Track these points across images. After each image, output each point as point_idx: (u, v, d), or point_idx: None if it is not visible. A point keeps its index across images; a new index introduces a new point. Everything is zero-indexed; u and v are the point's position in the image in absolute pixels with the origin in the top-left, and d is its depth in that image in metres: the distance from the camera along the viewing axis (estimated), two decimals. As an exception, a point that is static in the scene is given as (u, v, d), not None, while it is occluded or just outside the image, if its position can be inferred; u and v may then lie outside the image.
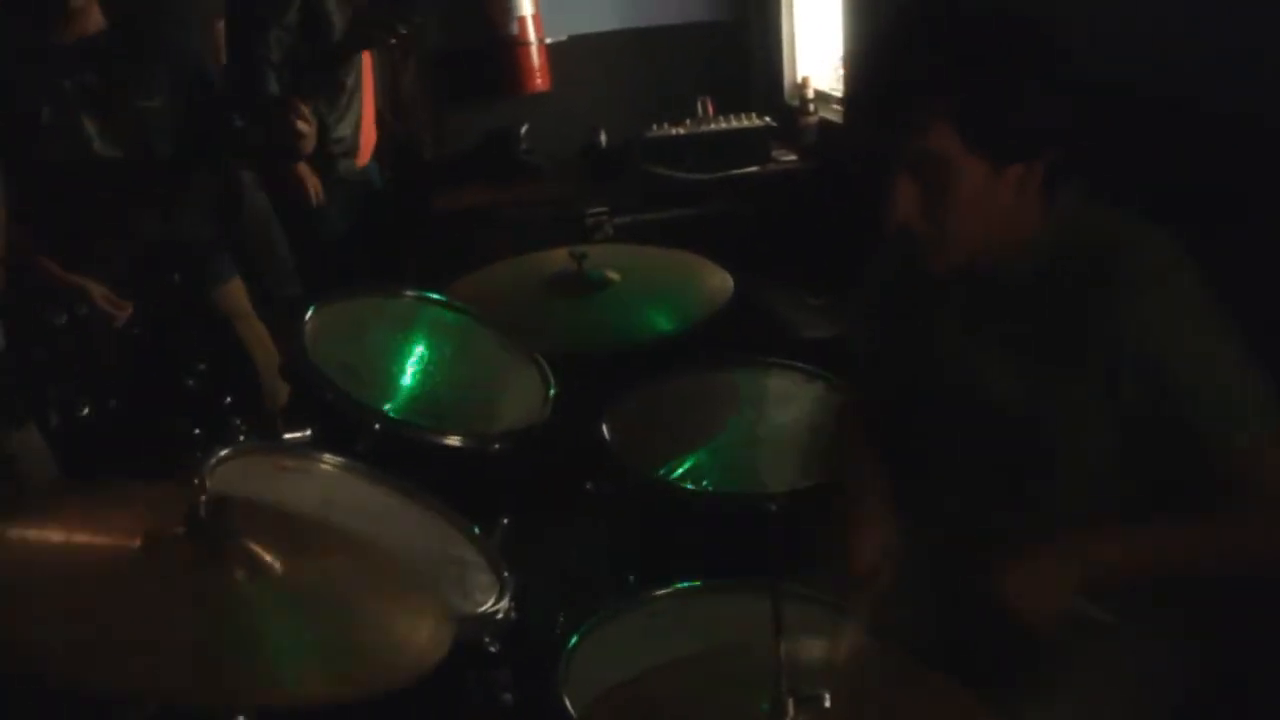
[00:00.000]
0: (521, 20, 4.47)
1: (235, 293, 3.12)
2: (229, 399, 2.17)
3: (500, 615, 1.82)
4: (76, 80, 2.73)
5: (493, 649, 1.81)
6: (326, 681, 1.29)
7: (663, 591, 1.99)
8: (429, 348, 2.45)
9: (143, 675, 1.17)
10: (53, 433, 2.38)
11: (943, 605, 1.75)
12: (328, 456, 1.98)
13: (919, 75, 1.58)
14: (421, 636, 1.44)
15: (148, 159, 2.76)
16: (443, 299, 2.57)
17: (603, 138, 4.48)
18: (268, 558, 1.36)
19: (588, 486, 2.58)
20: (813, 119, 4.23)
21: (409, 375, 2.38)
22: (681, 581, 2.00)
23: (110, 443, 2.32)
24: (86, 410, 2.39)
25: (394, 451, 2.05)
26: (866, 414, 2.01)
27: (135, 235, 2.67)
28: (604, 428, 2.44)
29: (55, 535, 1.29)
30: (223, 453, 1.79)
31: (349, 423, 2.06)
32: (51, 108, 2.70)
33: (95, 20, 2.81)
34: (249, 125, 2.76)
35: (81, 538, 1.29)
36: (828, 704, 1.23)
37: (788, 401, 2.62)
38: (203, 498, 1.27)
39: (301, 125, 2.69)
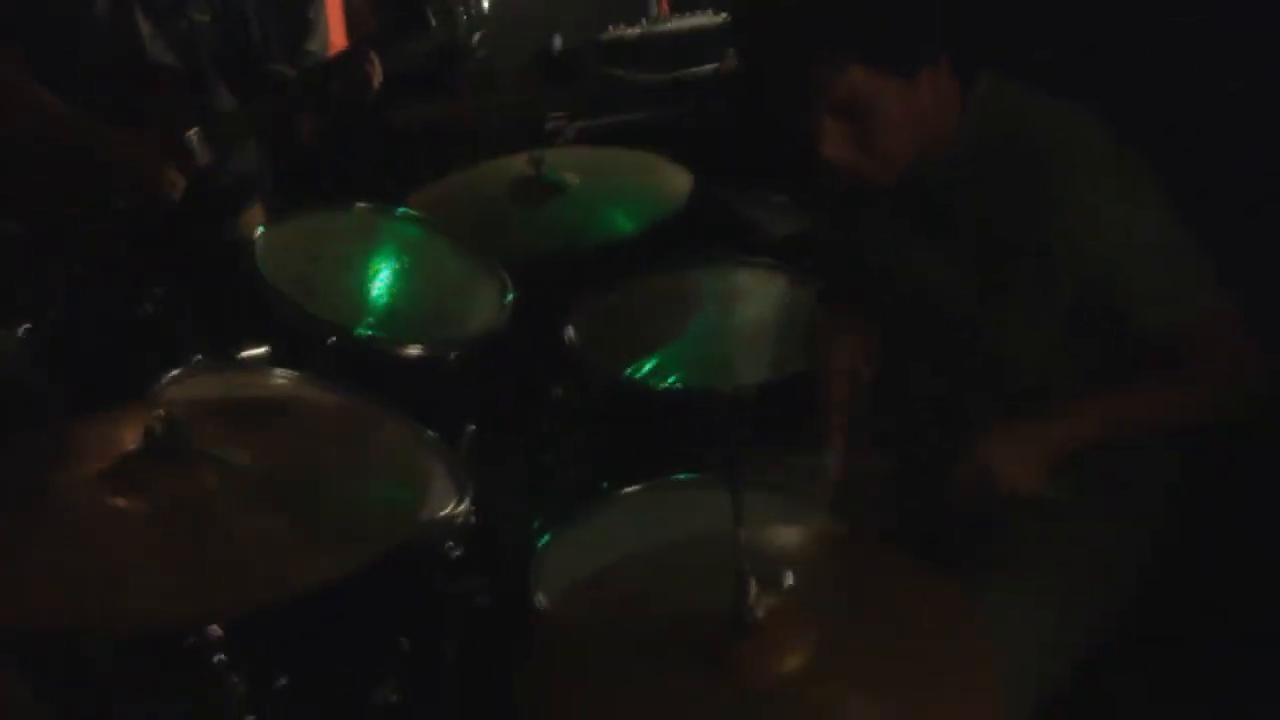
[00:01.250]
0: (469, -76, 4.36)
1: (254, 218, 3.04)
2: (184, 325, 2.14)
3: (460, 519, 1.83)
4: None
5: (455, 553, 1.83)
6: (316, 563, 1.29)
7: (632, 489, 2.00)
8: (385, 260, 2.45)
9: (126, 604, 1.18)
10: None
11: (903, 492, 1.78)
12: (281, 371, 1.97)
13: (814, 26, 1.57)
14: (398, 491, 1.45)
15: (199, 73, 2.69)
16: (398, 210, 2.54)
17: (557, 41, 4.40)
18: (232, 454, 1.36)
19: (556, 392, 2.59)
20: (769, 13, 4.16)
21: (365, 287, 2.38)
22: (651, 477, 2.02)
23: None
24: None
25: (352, 365, 2.05)
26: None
27: (187, 156, 2.59)
28: (568, 330, 2.44)
29: (19, 478, 1.29)
30: (173, 373, 1.77)
31: (304, 337, 2.05)
32: (107, 3, 2.60)
33: None
34: (322, 77, 2.73)
35: (46, 476, 1.29)
36: (789, 584, 1.24)
37: (752, 296, 2.63)
38: (157, 415, 1.26)
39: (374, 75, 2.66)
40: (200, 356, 1.96)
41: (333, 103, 2.76)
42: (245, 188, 2.91)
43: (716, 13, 4.19)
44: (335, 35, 3.69)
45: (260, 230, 2.22)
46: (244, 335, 2.12)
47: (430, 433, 1.99)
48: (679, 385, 2.37)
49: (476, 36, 4.40)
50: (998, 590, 1.62)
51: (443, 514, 1.80)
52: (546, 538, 1.88)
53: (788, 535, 1.50)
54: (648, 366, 2.42)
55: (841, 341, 1.87)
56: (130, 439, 1.30)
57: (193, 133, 2.57)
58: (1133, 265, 1.60)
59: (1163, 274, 1.61)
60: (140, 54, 2.65)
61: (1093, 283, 1.61)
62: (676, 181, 2.82)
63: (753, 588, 1.23)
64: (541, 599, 1.72)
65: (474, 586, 1.96)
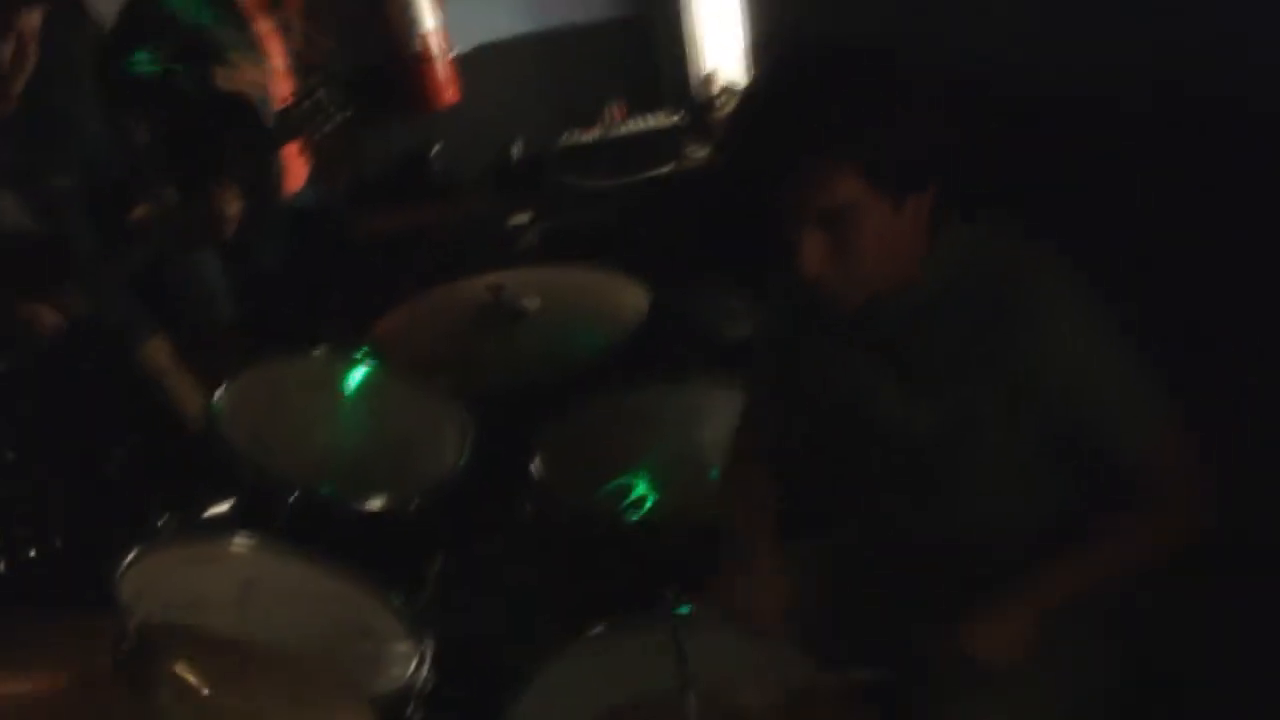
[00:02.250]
0: (424, 36, 4.44)
1: (159, 350, 3.11)
2: (147, 485, 2.16)
3: (418, 685, 1.84)
4: None
5: (416, 717, 1.84)
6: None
7: (599, 631, 2.02)
8: (344, 406, 2.48)
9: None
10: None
11: (868, 629, 1.80)
12: (239, 539, 1.99)
13: (818, 130, 1.54)
14: None
15: (63, 237, 2.74)
16: (354, 353, 2.58)
17: (516, 149, 4.48)
18: (194, 681, 1.37)
19: (525, 510, 2.61)
20: (722, 113, 4.25)
21: (325, 437, 2.41)
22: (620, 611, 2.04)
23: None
24: (33, 553, 2.36)
25: (314, 520, 2.08)
26: (760, 450, 2.03)
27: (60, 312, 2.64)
28: (534, 461, 2.47)
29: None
30: (130, 557, 1.79)
31: (265, 497, 2.08)
32: None
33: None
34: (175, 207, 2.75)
35: (7, 685, 1.30)
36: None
37: (711, 416, 2.66)
38: (125, 638, 1.28)
39: (229, 207, 2.71)
40: (165, 518, 1.98)
41: (198, 233, 2.79)
42: (132, 328, 2.97)
43: (671, 114, 4.28)
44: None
45: (221, 388, 2.25)
46: (208, 490, 2.15)
47: (387, 590, 2.00)
48: (644, 515, 2.39)
49: (435, 148, 4.50)
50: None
51: (402, 683, 1.82)
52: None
53: (750, 694, 1.52)
54: (615, 491, 2.44)
55: (745, 580, 1.83)
56: (95, 651, 1.31)
57: (67, 287, 2.62)
58: (1095, 397, 1.63)
59: (1126, 405, 1.63)
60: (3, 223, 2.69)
61: (1057, 415, 1.63)
62: (633, 298, 2.87)
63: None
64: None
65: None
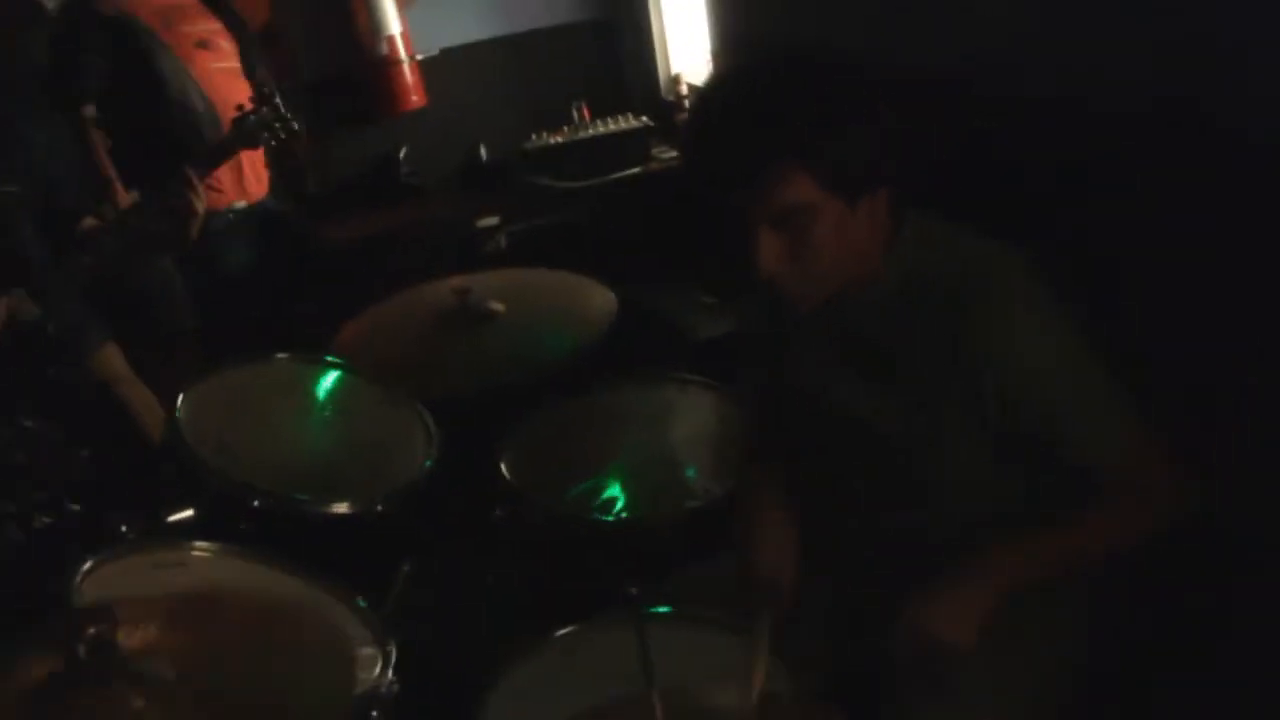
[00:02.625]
0: (390, 39, 4.44)
1: (110, 358, 3.09)
2: (109, 491, 2.14)
3: (384, 689, 1.83)
4: None
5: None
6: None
7: (567, 630, 2.01)
8: (307, 410, 2.46)
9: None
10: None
11: (840, 626, 1.80)
12: (200, 543, 1.97)
13: (770, 134, 1.57)
14: (330, 679, 1.45)
15: (11, 244, 2.72)
16: (317, 357, 2.57)
17: (483, 152, 4.47)
18: (159, 670, 1.36)
19: (496, 513, 2.60)
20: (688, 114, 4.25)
21: (289, 442, 2.39)
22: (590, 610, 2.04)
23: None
24: (48, 519, 2.33)
25: (279, 525, 2.06)
26: (765, 453, 2.03)
27: (8, 319, 2.62)
28: (503, 463, 2.47)
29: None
30: (87, 565, 1.77)
31: (229, 502, 2.06)
32: None
33: None
34: (145, 211, 2.73)
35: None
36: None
37: (681, 415, 2.66)
38: (84, 635, 1.26)
39: (196, 203, 2.69)
40: (125, 527, 1.96)
41: (152, 241, 2.76)
42: (80, 335, 2.95)
43: (637, 117, 4.28)
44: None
45: (181, 395, 2.23)
46: (171, 497, 2.13)
47: (352, 593, 1.99)
48: (614, 513, 2.39)
49: (402, 151, 4.49)
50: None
51: (368, 685, 1.80)
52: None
53: (715, 692, 1.51)
54: (584, 492, 2.44)
55: (761, 550, 1.84)
56: (53, 660, 1.29)
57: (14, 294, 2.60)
58: (1055, 396, 1.64)
59: (1085, 405, 1.65)
60: None
61: (1017, 414, 1.64)
62: (602, 301, 2.87)
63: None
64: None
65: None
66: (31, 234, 2.77)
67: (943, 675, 1.65)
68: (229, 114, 2.99)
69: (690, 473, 2.50)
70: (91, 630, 1.28)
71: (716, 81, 1.70)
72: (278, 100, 2.90)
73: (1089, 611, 1.81)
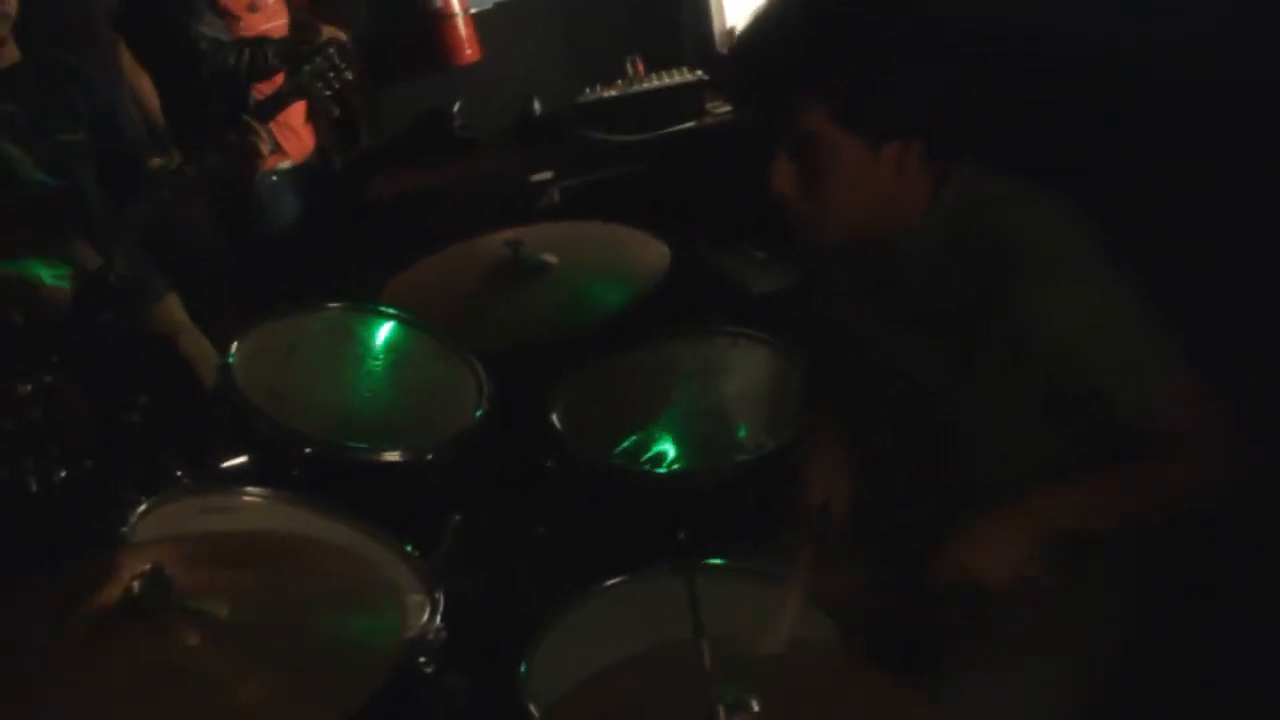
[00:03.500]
0: (445, -8, 4.41)
1: (171, 308, 3.12)
2: (166, 437, 2.16)
3: (431, 636, 1.84)
4: None
5: (428, 669, 1.83)
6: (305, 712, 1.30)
7: (616, 581, 2.01)
8: (359, 359, 2.47)
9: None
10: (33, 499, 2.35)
11: (885, 582, 1.79)
12: (252, 489, 1.98)
13: (791, 59, 1.59)
14: (383, 625, 1.46)
15: (76, 190, 2.75)
16: (370, 306, 2.57)
17: (536, 105, 4.44)
18: (212, 607, 1.37)
19: (546, 465, 2.60)
20: (744, 67, 4.19)
21: (341, 390, 2.39)
22: (638, 563, 2.03)
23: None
24: (64, 473, 2.37)
25: (330, 473, 2.07)
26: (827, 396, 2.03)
27: (73, 267, 2.65)
28: (553, 415, 2.46)
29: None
30: (141, 508, 1.79)
31: (281, 451, 2.07)
32: None
33: (11, 53, 2.80)
34: (206, 156, 2.75)
35: (27, 631, 1.29)
36: (756, 709, 1.26)
37: (733, 370, 2.64)
38: (138, 573, 1.27)
39: (260, 144, 2.71)
40: (181, 474, 1.98)
41: (214, 183, 2.78)
42: (144, 286, 3.00)
43: (691, 70, 4.23)
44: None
45: (236, 340, 2.25)
46: (224, 445, 2.15)
47: (402, 541, 1.99)
48: (664, 467, 2.38)
49: (456, 105, 4.47)
50: (976, 687, 1.63)
51: (416, 632, 1.81)
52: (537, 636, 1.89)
53: (760, 642, 1.51)
54: (633, 448, 2.43)
55: (824, 471, 1.86)
56: (108, 593, 1.30)
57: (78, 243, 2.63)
58: (1102, 349, 1.61)
59: (1134, 364, 1.61)
60: (13, 177, 2.71)
61: (1064, 366, 1.62)
62: (655, 254, 2.84)
63: (721, 716, 1.24)
64: (534, 712, 1.73)
65: (454, 687, 1.97)
66: (95, 182, 2.80)
67: (978, 618, 1.64)
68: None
69: (741, 427, 2.48)
70: (147, 565, 1.29)
71: (759, 10, 1.69)
72: (332, 50, 2.89)
73: (1137, 584, 1.78)
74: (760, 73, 1.63)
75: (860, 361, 1.83)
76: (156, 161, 2.92)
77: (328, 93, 2.93)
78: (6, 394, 2.32)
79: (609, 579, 2.00)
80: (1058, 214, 1.64)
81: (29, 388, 2.30)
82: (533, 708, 1.73)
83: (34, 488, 2.23)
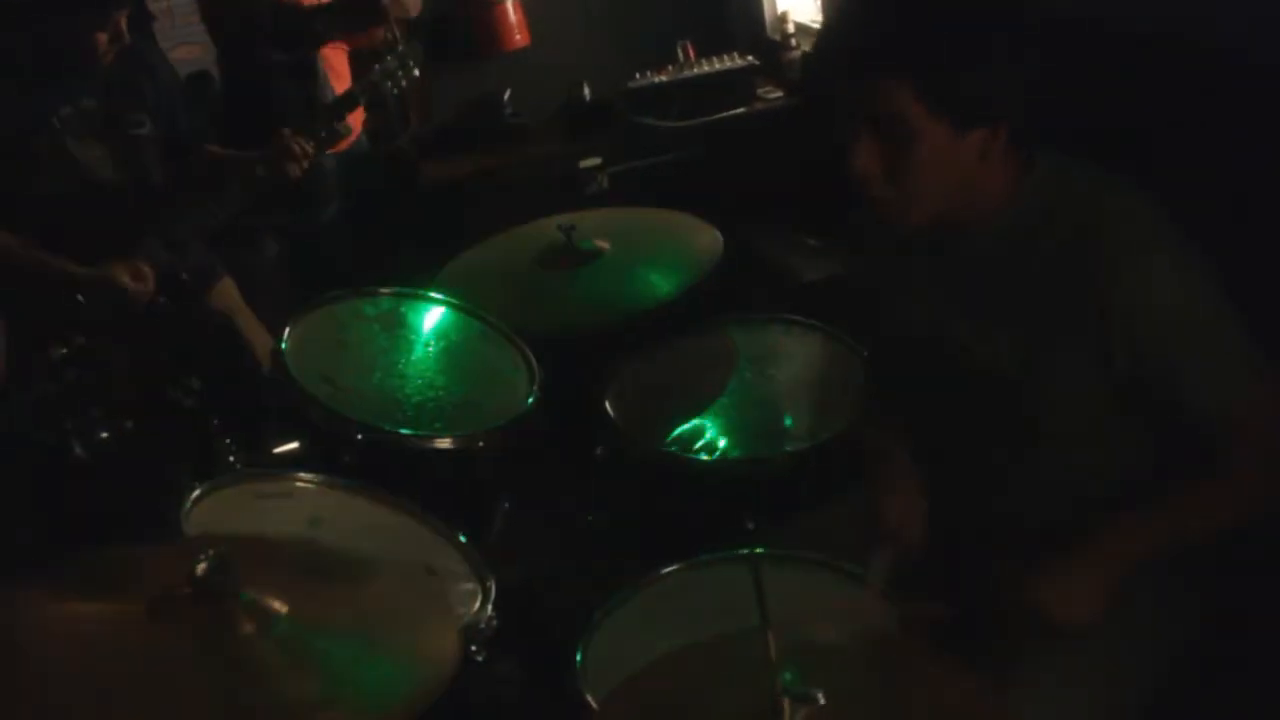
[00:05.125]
0: (496, -22, 4.41)
1: (228, 290, 3.13)
2: (219, 422, 2.16)
3: (483, 624, 1.83)
4: (76, 106, 2.69)
5: (479, 658, 1.83)
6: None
7: (672, 568, 1.99)
8: (411, 345, 2.47)
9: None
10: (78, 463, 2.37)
11: (950, 577, 1.76)
12: (305, 475, 1.99)
13: (880, 39, 1.57)
14: (437, 644, 1.45)
15: (145, 184, 2.75)
16: (422, 292, 2.57)
17: (586, 91, 4.43)
18: (273, 603, 1.36)
19: (597, 452, 2.59)
20: (795, 53, 4.16)
21: (392, 376, 2.39)
22: (693, 550, 2.02)
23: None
24: (105, 434, 2.38)
25: (381, 459, 2.07)
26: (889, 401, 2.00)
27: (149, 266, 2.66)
28: (606, 403, 2.45)
29: (58, 608, 1.30)
30: (196, 493, 1.79)
31: (332, 436, 2.07)
32: (43, 137, 2.65)
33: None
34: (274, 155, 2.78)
35: (86, 609, 1.30)
36: (822, 702, 1.24)
37: (785, 357, 2.62)
38: (202, 559, 1.27)
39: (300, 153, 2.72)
40: (234, 458, 1.99)
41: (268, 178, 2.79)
42: (202, 270, 3.00)
43: (743, 56, 4.20)
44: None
45: (288, 326, 2.25)
46: (276, 430, 2.15)
47: (453, 528, 1.98)
48: (717, 455, 2.36)
49: (506, 92, 4.46)
50: (1041, 682, 1.61)
51: (465, 621, 1.81)
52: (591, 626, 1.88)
53: (826, 633, 1.49)
54: (686, 435, 2.42)
55: (890, 498, 1.83)
56: (170, 574, 1.30)
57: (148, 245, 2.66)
58: (1184, 344, 1.58)
59: (1214, 356, 1.59)
60: (85, 177, 2.70)
61: (1142, 361, 1.59)
62: (709, 240, 2.82)
63: (786, 708, 1.22)
64: (591, 701, 1.72)
65: (506, 675, 1.96)
66: (163, 176, 2.80)
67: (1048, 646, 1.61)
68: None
69: (794, 415, 2.46)
70: (213, 550, 1.29)
71: None
72: (402, 48, 2.90)
73: (1201, 591, 1.75)
74: (851, 51, 1.60)
75: (932, 353, 1.79)
76: (215, 149, 2.92)
77: (395, 91, 2.93)
78: (41, 357, 2.33)
79: (662, 567, 1.98)
80: (1150, 204, 1.61)
81: (64, 350, 2.31)
82: (590, 698, 1.72)
83: (78, 451, 2.24)
